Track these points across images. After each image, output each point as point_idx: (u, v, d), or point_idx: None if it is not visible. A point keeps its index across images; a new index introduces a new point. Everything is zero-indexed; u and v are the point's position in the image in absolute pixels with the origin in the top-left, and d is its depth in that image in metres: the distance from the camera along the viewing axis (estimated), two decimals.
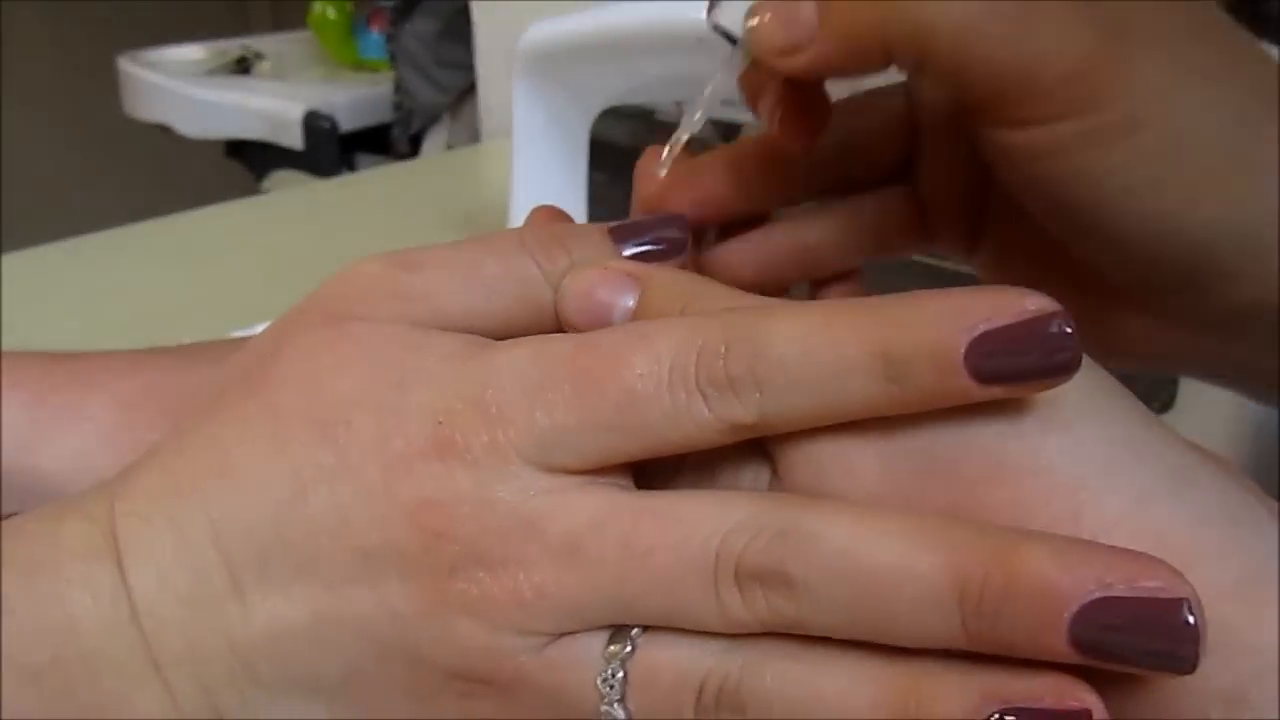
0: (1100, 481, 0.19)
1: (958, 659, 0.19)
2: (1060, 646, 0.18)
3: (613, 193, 0.76)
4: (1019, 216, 0.25)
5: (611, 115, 0.68)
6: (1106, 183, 0.22)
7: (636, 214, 0.29)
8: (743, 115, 0.71)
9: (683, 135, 0.26)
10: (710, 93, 0.26)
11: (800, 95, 0.26)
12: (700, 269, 0.29)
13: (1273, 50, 0.39)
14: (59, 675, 0.21)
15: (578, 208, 0.68)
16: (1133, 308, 0.25)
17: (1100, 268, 0.22)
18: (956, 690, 0.18)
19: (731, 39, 0.25)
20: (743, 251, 0.28)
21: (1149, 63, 0.22)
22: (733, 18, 0.25)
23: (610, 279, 0.23)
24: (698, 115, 0.26)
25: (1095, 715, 0.18)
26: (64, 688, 0.21)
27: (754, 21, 0.24)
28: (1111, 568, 0.18)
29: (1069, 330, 0.19)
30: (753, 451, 0.22)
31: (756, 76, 0.26)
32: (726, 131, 0.81)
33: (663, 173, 0.27)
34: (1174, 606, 0.17)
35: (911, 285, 0.22)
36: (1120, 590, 0.17)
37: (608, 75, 0.64)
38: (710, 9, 0.26)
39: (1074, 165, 0.22)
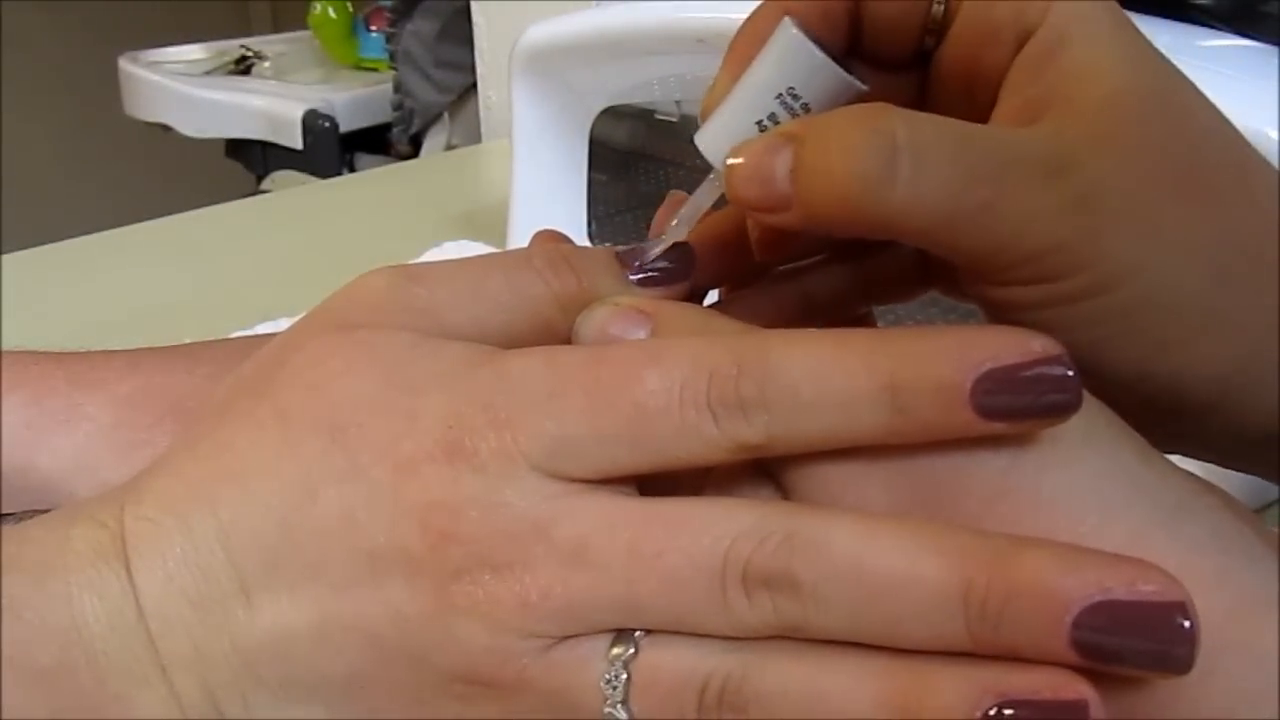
0: (1097, 517, 0.20)
1: (956, 656, 0.19)
2: (1062, 649, 0.18)
3: (613, 193, 0.76)
4: None
5: (611, 115, 0.69)
6: (1078, 333, 0.22)
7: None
8: None
9: (665, 244, 0.26)
10: (693, 206, 0.26)
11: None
12: None
13: (1272, 50, 0.40)
14: (65, 677, 0.21)
15: (578, 207, 0.68)
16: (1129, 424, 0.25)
17: (1089, 389, 0.23)
18: (956, 685, 0.19)
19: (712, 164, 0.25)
20: (746, 303, 0.28)
21: (1119, 234, 0.22)
22: (714, 147, 0.25)
23: (622, 315, 0.24)
24: (681, 226, 0.26)
25: (1091, 707, 0.18)
26: (70, 689, 0.21)
27: (731, 164, 0.23)
28: (1111, 573, 0.18)
29: (1071, 373, 0.19)
30: (758, 475, 0.22)
31: None
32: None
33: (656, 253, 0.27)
34: (1171, 610, 0.18)
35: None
36: (1120, 594, 0.18)
37: (608, 75, 0.64)
38: (701, 121, 0.25)
39: (1048, 316, 0.22)
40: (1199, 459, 0.26)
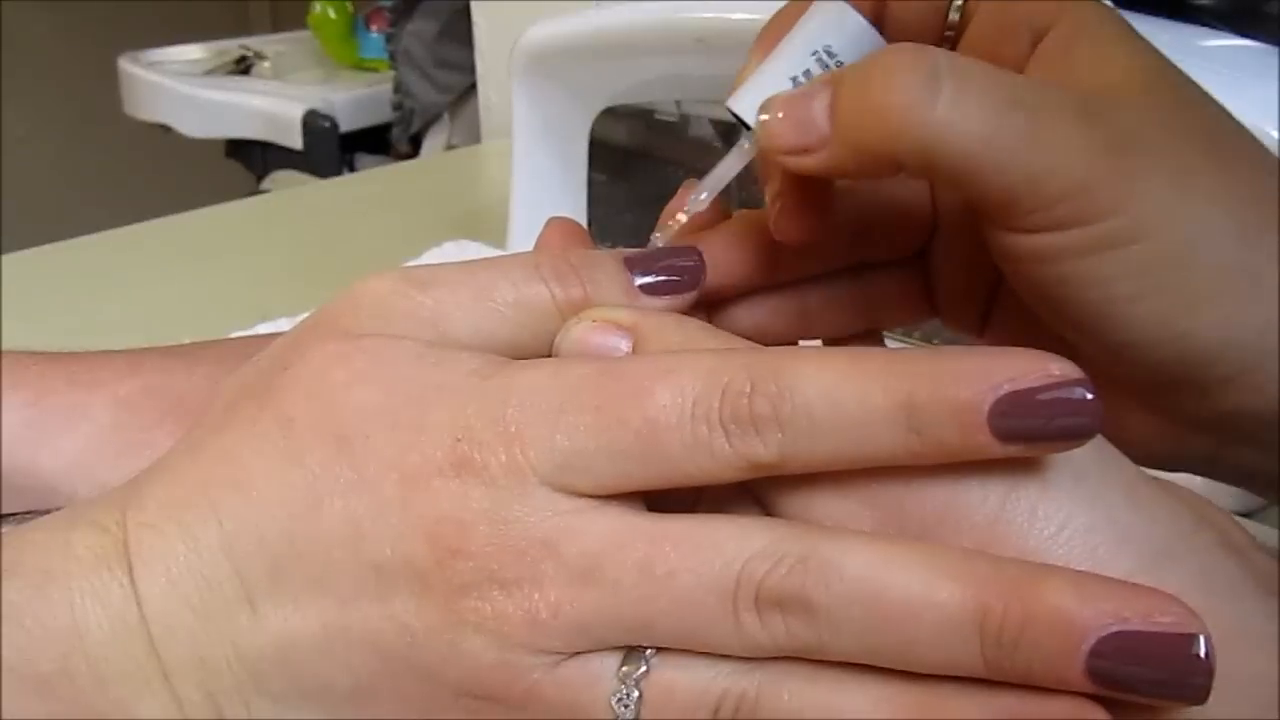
0: (1084, 568, 0.20)
1: (971, 681, 0.19)
2: (1076, 677, 0.18)
3: (613, 193, 0.76)
4: (1027, 307, 0.25)
5: (611, 115, 0.68)
6: (1107, 287, 0.22)
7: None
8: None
9: (686, 215, 0.26)
10: (717, 175, 0.26)
11: (804, 191, 0.25)
12: None
13: (1272, 50, 0.40)
14: (66, 684, 0.21)
15: (578, 208, 0.68)
16: (1134, 404, 0.25)
17: (1101, 363, 0.23)
18: (974, 711, 0.19)
19: (745, 125, 0.25)
20: (743, 315, 0.28)
21: (1153, 177, 0.22)
22: (748, 104, 0.25)
23: (600, 329, 0.23)
24: (703, 196, 0.26)
25: None
26: (71, 696, 0.21)
27: (765, 116, 0.24)
28: (1128, 603, 0.18)
29: (1090, 396, 0.19)
30: (746, 500, 0.22)
31: (768, 160, 0.26)
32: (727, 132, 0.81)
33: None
34: (1187, 641, 0.18)
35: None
36: (1136, 625, 0.18)
37: (608, 75, 0.64)
38: (731, 92, 0.25)
39: (1076, 269, 0.22)
40: (1198, 452, 0.26)
